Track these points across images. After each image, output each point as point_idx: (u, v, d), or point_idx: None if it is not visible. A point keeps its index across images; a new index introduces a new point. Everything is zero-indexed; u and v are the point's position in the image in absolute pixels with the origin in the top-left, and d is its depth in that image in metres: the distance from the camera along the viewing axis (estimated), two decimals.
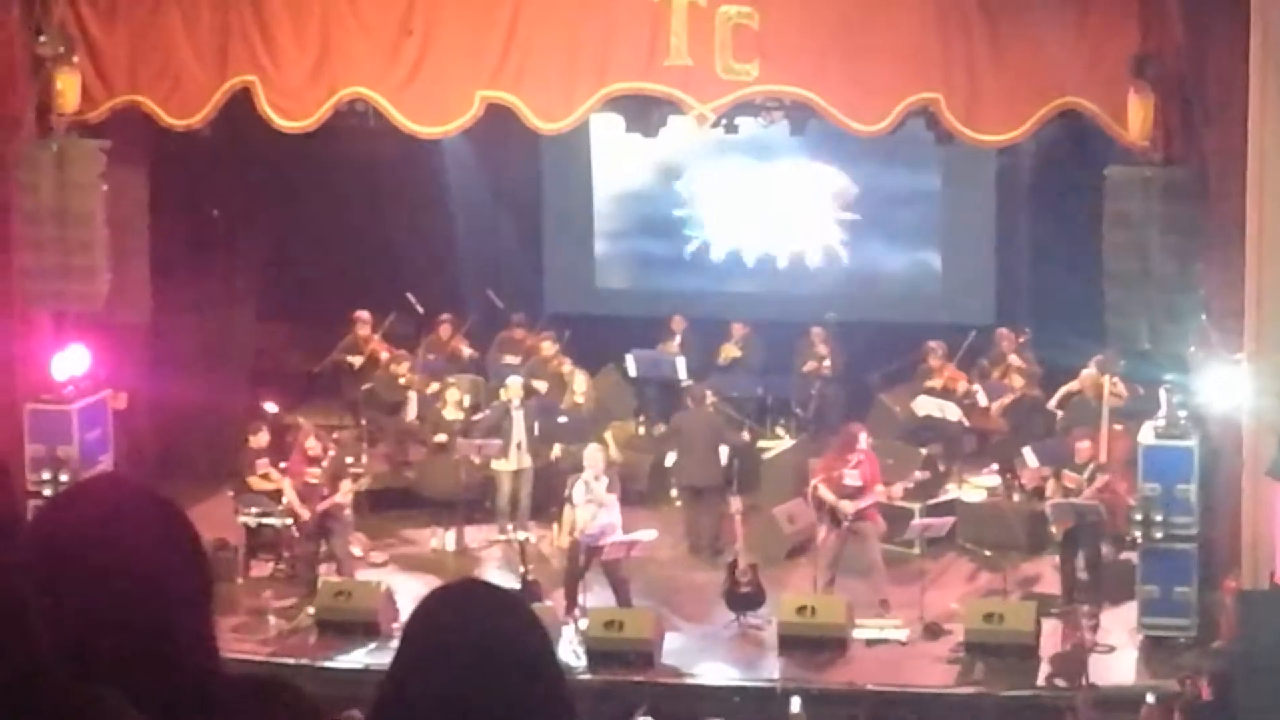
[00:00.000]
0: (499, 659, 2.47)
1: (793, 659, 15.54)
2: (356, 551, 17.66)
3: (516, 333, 20.91)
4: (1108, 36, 15.58)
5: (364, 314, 20.52)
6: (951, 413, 19.03)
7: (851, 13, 16.11)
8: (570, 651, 15.42)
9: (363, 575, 17.10)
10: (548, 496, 17.98)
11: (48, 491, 15.68)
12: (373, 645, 15.73)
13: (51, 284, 16.87)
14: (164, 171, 18.60)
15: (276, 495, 17.41)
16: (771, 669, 15.44)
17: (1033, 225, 21.80)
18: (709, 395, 18.49)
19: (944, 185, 22.31)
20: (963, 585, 17.15)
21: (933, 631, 16.03)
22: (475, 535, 18.53)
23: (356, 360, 20.46)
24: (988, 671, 15.30)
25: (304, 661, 15.59)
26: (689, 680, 15.48)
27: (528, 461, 18.36)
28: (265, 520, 17.51)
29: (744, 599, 16.31)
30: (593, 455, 16.50)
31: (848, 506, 16.26)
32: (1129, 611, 15.97)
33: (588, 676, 15.11)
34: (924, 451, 18.67)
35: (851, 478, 16.39)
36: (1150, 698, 14.07)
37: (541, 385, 19.58)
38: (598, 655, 15.47)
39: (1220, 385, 15.18)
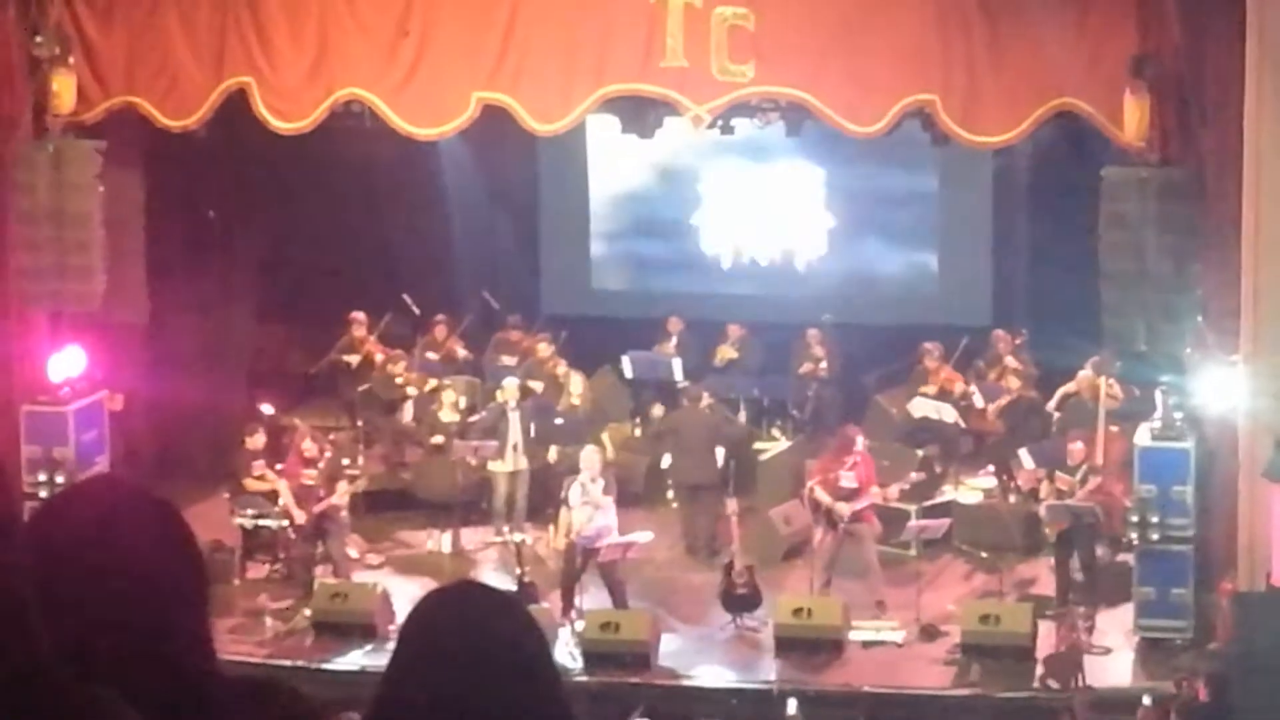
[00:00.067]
0: (495, 661, 2.47)
1: (789, 660, 15.54)
2: (353, 553, 17.65)
3: (512, 334, 20.90)
4: (1105, 37, 15.59)
5: (359, 315, 20.52)
6: (948, 414, 19.03)
7: (848, 14, 16.12)
8: (567, 653, 15.41)
9: (359, 577, 17.09)
10: (544, 498, 17.98)
11: (44, 493, 15.66)
12: (369, 647, 15.72)
13: (48, 284, 16.87)
14: (160, 172, 18.61)
15: (273, 497, 17.40)
16: (768, 670, 15.44)
17: (1029, 226, 21.80)
18: (705, 396, 18.48)
19: (940, 187, 22.32)
20: (959, 587, 17.15)
21: (929, 633, 16.03)
22: (471, 537, 18.52)
23: (353, 360, 20.47)
24: (984, 673, 15.29)
25: (300, 663, 15.58)
26: (685, 682, 15.48)
27: (524, 463, 18.36)
28: (262, 522, 17.50)
29: (740, 600, 16.30)
30: (589, 457, 16.49)
31: (844, 509, 16.26)
32: (1125, 613, 15.97)
33: (584, 678, 15.11)
34: (920, 453, 18.66)
35: (847, 479, 16.39)
36: (1146, 699, 14.08)
37: (537, 386, 19.58)
38: (594, 657, 15.46)
39: (1217, 386, 15.18)
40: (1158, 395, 15.80)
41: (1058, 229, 19.88)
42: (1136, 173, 15.35)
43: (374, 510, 18.90)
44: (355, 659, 15.62)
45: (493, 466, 18.36)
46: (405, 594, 16.24)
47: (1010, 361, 19.35)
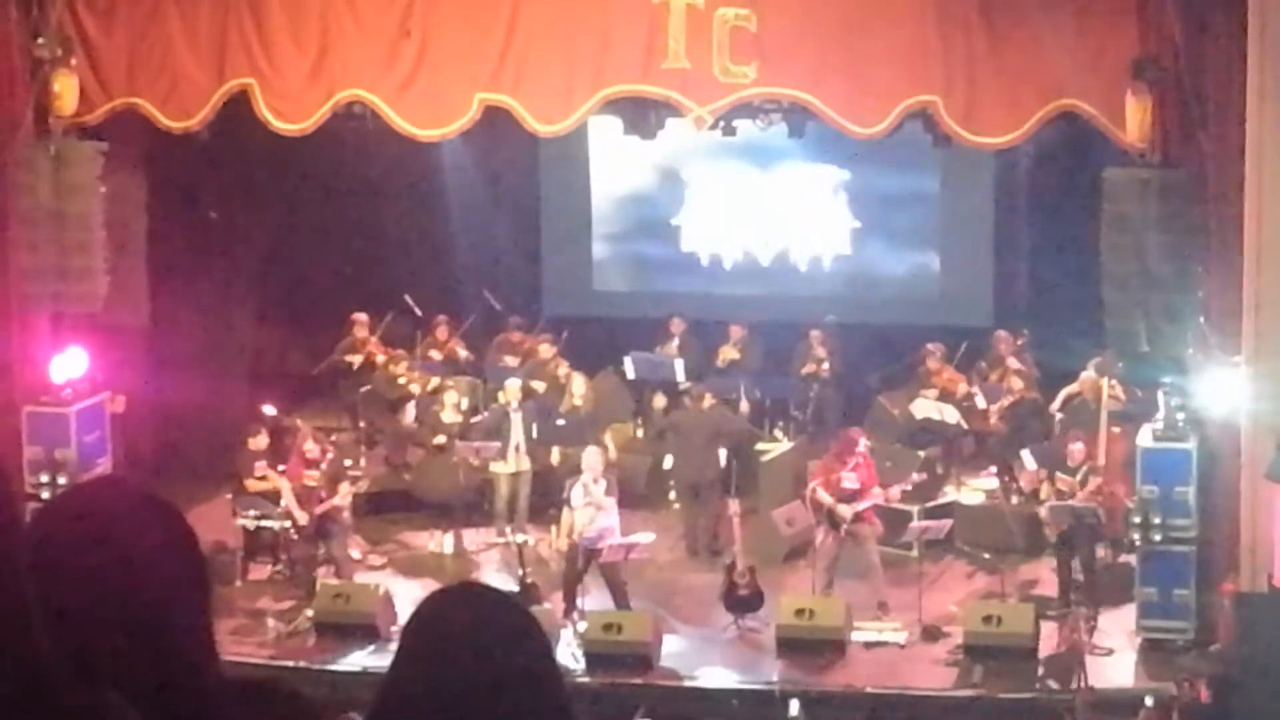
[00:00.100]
0: (497, 662, 2.47)
1: (791, 661, 15.54)
2: (355, 554, 17.65)
3: (514, 335, 20.90)
4: (1106, 38, 15.60)
5: (361, 316, 20.53)
6: (950, 415, 19.03)
7: (850, 15, 16.11)
8: (569, 654, 15.41)
9: (361, 578, 17.09)
10: (546, 499, 17.97)
11: (46, 494, 15.68)
12: (371, 648, 15.71)
13: (49, 286, 16.86)
14: (162, 174, 18.64)
15: (275, 498, 17.40)
16: (770, 671, 15.43)
17: (1031, 227, 21.81)
18: (708, 396, 18.48)
19: (942, 188, 22.33)
20: (961, 588, 17.15)
21: (931, 634, 16.03)
22: (473, 538, 18.52)
23: (355, 360, 20.47)
24: (986, 674, 15.28)
25: (302, 664, 15.57)
26: (687, 683, 15.47)
27: (526, 464, 18.36)
28: (264, 523, 17.51)
29: (742, 601, 16.30)
30: (591, 458, 16.50)
31: (845, 510, 16.26)
32: (1127, 614, 15.96)
33: (586, 679, 15.10)
34: (922, 454, 18.66)
35: (849, 480, 16.39)
36: (1148, 700, 14.08)
37: (539, 386, 19.58)
38: (596, 658, 15.46)
39: (1219, 387, 15.18)
40: (1160, 396, 15.79)
41: (1059, 230, 19.90)
42: (1138, 174, 15.34)
43: (376, 511, 18.91)
44: (357, 660, 15.60)
45: (495, 468, 18.36)
46: (407, 595, 16.24)
47: (1012, 362, 19.35)
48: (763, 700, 14.97)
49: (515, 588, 15.73)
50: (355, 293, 20.94)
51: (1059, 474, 16.58)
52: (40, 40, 16.55)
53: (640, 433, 20.53)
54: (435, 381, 19.88)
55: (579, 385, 19.26)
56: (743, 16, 16.12)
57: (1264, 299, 14.77)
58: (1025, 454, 17.52)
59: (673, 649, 15.87)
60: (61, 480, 16.32)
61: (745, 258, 22.95)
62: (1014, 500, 18.16)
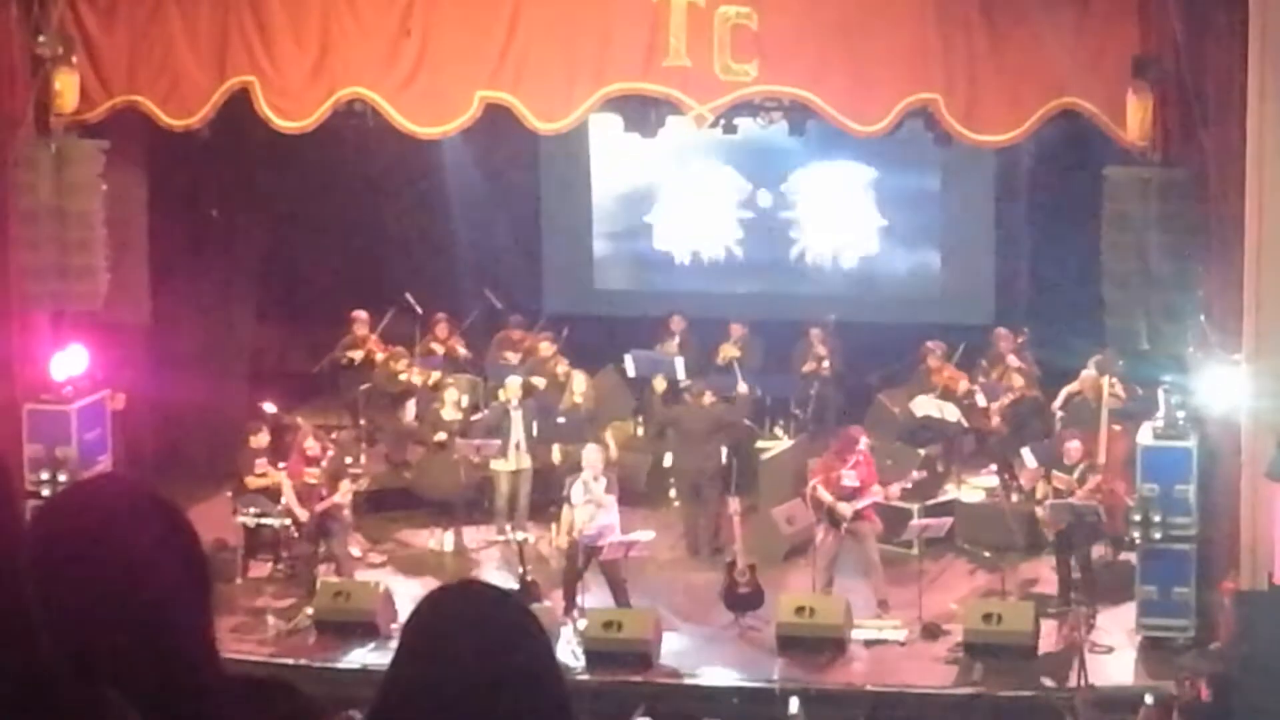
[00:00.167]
0: (497, 660, 2.47)
1: (791, 659, 15.54)
2: (355, 552, 17.66)
3: (515, 333, 20.90)
4: (1107, 37, 15.60)
5: (361, 313, 20.52)
6: (950, 413, 19.02)
7: (850, 13, 16.11)
8: (569, 652, 15.41)
9: (361, 575, 17.10)
10: (546, 497, 17.97)
11: (46, 492, 15.65)
12: (371, 645, 15.72)
13: (50, 284, 16.86)
14: (163, 172, 18.65)
15: (275, 495, 17.40)
16: (770, 669, 15.43)
17: (1032, 226, 21.81)
18: (708, 394, 18.48)
19: (943, 186, 22.33)
20: (961, 586, 17.15)
21: (931, 632, 16.03)
22: (474, 536, 18.53)
23: (356, 356, 20.47)
24: (986, 672, 15.29)
25: (303, 662, 15.59)
26: (687, 681, 15.48)
27: (526, 462, 18.36)
28: (264, 520, 17.51)
29: (742, 599, 16.31)
30: (591, 455, 16.51)
31: (846, 508, 16.26)
32: (1127, 612, 15.97)
33: (586, 677, 15.11)
34: (923, 452, 18.66)
35: (849, 478, 16.39)
36: (1149, 698, 14.08)
37: (540, 383, 19.58)
38: (596, 656, 15.46)
39: (1219, 386, 15.18)
40: (1160, 394, 15.79)
41: (1060, 228, 19.89)
42: (1139, 172, 15.34)
43: (376, 509, 18.91)
44: (357, 658, 15.62)
45: (495, 465, 18.36)
46: (407, 593, 16.25)
47: (1012, 360, 19.34)
48: (763, 698, 14.98)
49: (515, 585, 15.74)
50: (356, 291, 20.93)
51: (1056, 472, 16.59)
52: (41, 38, 16.55)
53: (641, 431, 20.53)
54: (435, 376, 19.88)
55: (579, 383, 19.26)
56: (743, 14, 16.12)
57: (1264, 297, 14.77)
58: (1025, 452, 17.52)
59: (673, 647, 15.87)
60: (62, 478, 16.31)
61: (746, 256, 22.96)
62: (1014, 498, 18.16)
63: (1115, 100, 15.43)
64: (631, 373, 20.65)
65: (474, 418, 19.12)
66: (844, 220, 22.56)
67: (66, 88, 16.73)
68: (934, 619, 16.15)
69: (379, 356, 20.39)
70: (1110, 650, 15.61)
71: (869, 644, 15.89)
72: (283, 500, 17.14)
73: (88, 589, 2.36)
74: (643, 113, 17.60)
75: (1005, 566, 16.69)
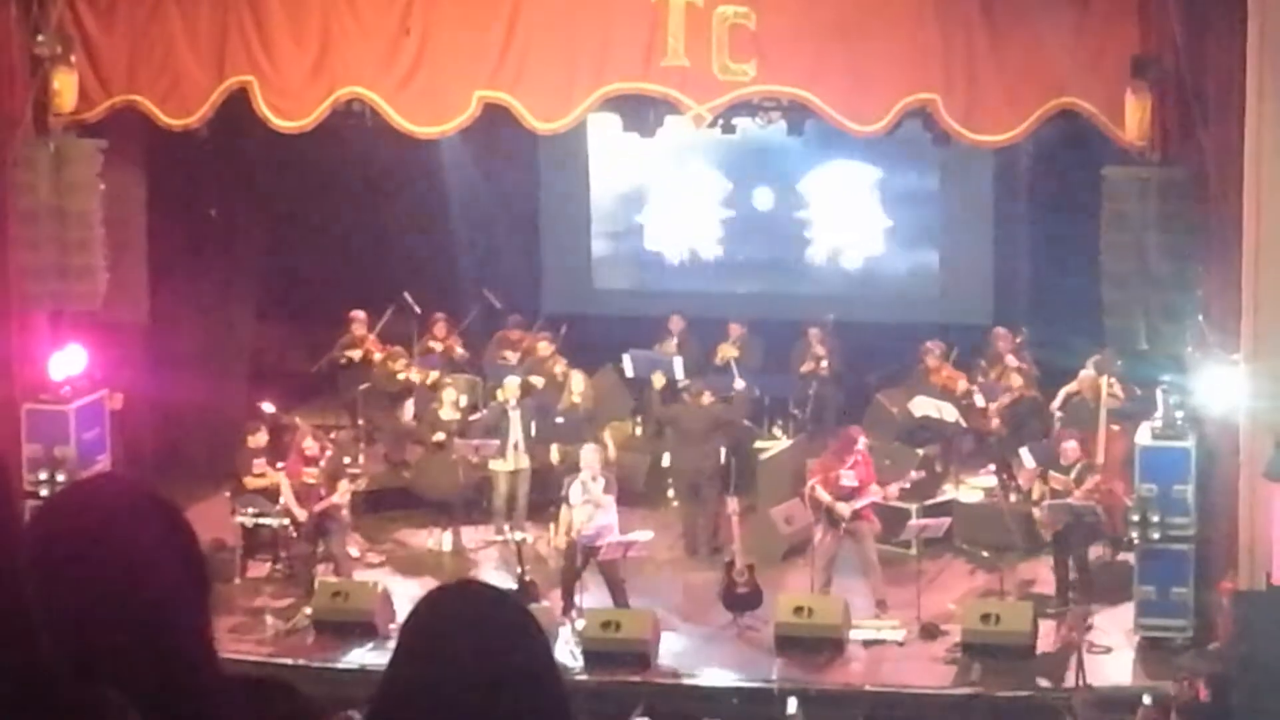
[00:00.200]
0: (496, 660, 2.47)
1: (790, 659, 15.54)
2: (354, 552, 17.66)
3: (513, 333, 20.89)
4: (1106, 37, 15.60)
5: (359, 313, 20.52)
6: (949, 413, 19.02)
7: (849, 13, 16.11)
8: (567, 652, 15.41)
9: (360, 575, 17.10)
10: (545, 497, 17.97)
11: (45, 492, 15.66)
12: (370, 645, 15.72)
13: (49, 284, 16.85)
14: (162, 171, 18.64)
15: (273, 495, 17.40)
16: (769, 669, 15.43)
17: (1030, 225, 21.81)
18: (707, 394, 18.48)
19: (942, 185, 22.34)
20: (960, 586, 17.15)
21: (930, 632, 16.03)
22: (472, 536, 18.53)
23: (355, 355, 20.47)
24: (985, 672, 15.29)
25: (301, 662, 15.59)
26: (686, 681, 15.48)
27: (525, 462, 18.36)
28: (262, 520, 17.51)
29: (741, 599, 16.31)
30: (589, 456, 16.50)
31: (844, 508, 16.25)
32: (1126, 612, 15.97)
33: (584, 677, 15.11)
34: (921, 452, 18.66)
35: (848, 478, 16.38)
36: (1147, 699, 14.08)
37: (539, 382, 19.58)
38: (595, 656, 15.47)
39: (1217, 386, 15.18)
40: (1159, 394, 15.80)
41: (1059, 228, 19.89)
42: (1138, 172, 15.34)
43: (375, 509, 18.92)
44: (356, 658, 15.62)
45: (494, 465, 18.36)
46: (406, 593, 16.25)
47: (1011, 360, 19.34)
48: (761, 698, 14.98)
49: (514, 585, 15.74)
50: (354, 290, 20.92)
51: (1053, 473, 16.59)
52: (40, 38, 16.55)
53: (639, 431, 20.53)
54: (434, 376, 19.88)
55: (578, 383, 19.25)
56: (742, 14, 16.12)
57: (1263, 298, 14.77)
58: (1024, 452, 17.52)
59: (671, 647, 15.87)
60: (60, 478, 16.31)
61: (746, 256, 22.97)
62: (1012, 499, 18.16)
63: (1114, 100, 15.43)
64: (630, 373, 20.64)
65: (472, 418, 19.11)
66: (850, 220, 22.55)
67: (65, 87, 16.73)
68: (932, 619, 16.15)
69: (377, 356, 20.39)
70: (1108, 650, 15.62)
71: (867, 644, 15.89)
72: (281, 500, 17.14)
73: (87, 589, 2.36)
74: (641, 113, 17.61)
75: (1004, 567, 16.68)
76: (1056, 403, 18.78)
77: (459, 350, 20.82)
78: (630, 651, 15.47)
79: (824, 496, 16.36)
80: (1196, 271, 15.36)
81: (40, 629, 2.21)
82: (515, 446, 18.31)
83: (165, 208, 18.88)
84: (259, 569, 17.69)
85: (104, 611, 2.36)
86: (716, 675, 15.57)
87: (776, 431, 20.60)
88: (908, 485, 17.31)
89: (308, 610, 16.37)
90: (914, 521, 16.98)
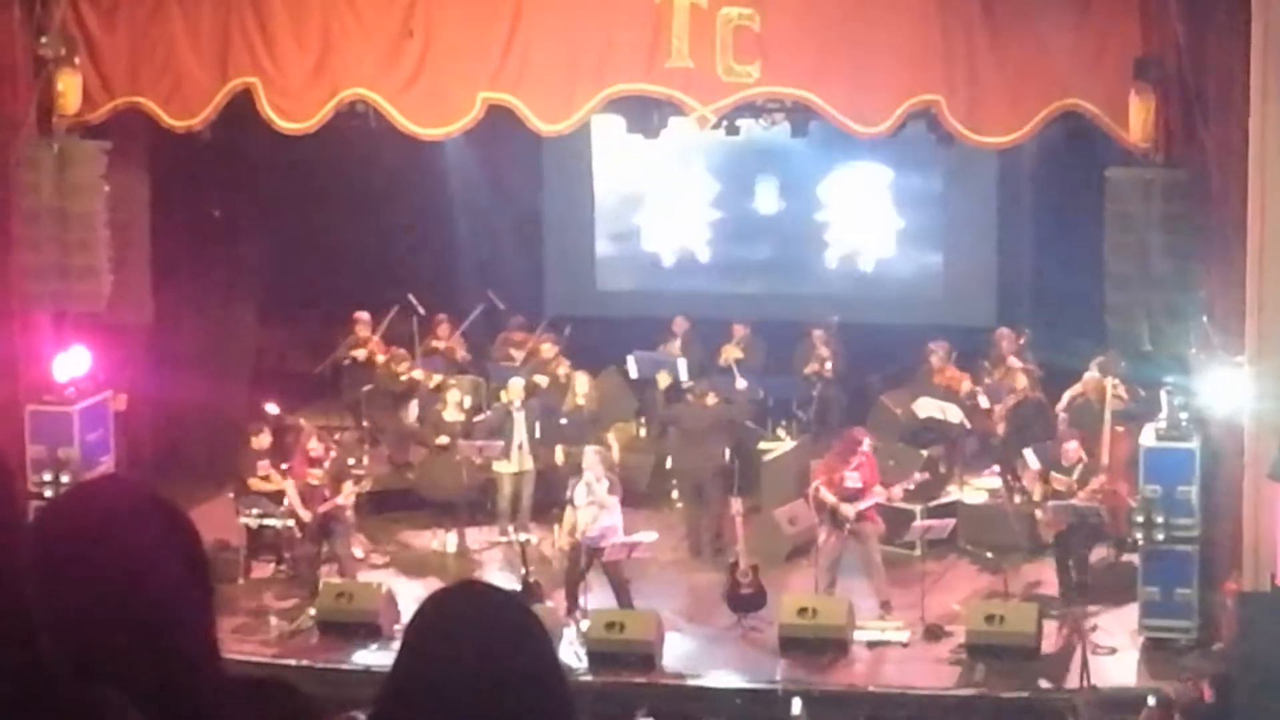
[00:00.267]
0: (500, 661, 2.47)
1: (794, 660, 15.54)
2: (358, 553, 17.66)
3: (517, 334, 20.91)
4: (1109, 38, 15.60)
5: (363, 315, 20.53)
6: (953, 414, 19.01)
7: (853, 14, 16.11)
8: (571, 653, 15.42)
9: (364, 576, 17.10)
10: (549, 498, 17.98)
11: (49, 493, 15.70)
12: (374, 646, 15.73)
13: (52, 285, 16.87)
14: (165, 173, 18.65)
15: (277, 496, 17.42)
16: (772, 670, 15.43)
17: (1034, 226, 21.81)
18: (711, 394, 18.48)
19: (945, 187, 22.33)
20: (964, 587, 17.14)
21: (934, 633, 16.03)
22: (476, 537, 18.54)
23: (359, 354, 20.48)
24: (989, 673, 15.29)
25: (305, 663, 15.59)
26: (690, 682, 15.48)
27: (529, 463, 18.36)
28: (266, 521, 17.52)
29: (745, 600, 16.31)
30: (591, 458, 16.48)
31: (848, 509, 16.25)
32: (1130, 613, 15.97)
33: (589, 678, 15.11)
34: (925, 453, 18.66)
35: (852, 479, 16.38)
36: (1151, 699, 14.07)
37: (543, 381, 19.60)
38: (599, 657, 15.47)
39: (1221, 387, 15.17)
40: (1163, 396, 15.79)
41: (1062, 229, 19.88)
42: (1141, 173, 15.35)
43: (379, 510, 18.93)
44: (360, 659, 15.63)
45: (498, 466, 18.37)
46: (410, 594, 16.25)
47: (1014, 361, 19.34)
48: (765, 699, 14.98)
49: (518, 586, 15.74)
50: (358, 292, 20.94)
51: (1054, 473, 16.59)
52: (44, 39, 16.56)
53: (643, 432, 20.53)
54: (438, 379, 19.88)
55: (582, 384, 19.26)
56: (746, 16, 16.12)
57: (1267, 298, 14.76)
58: (1028, 453, 17.51)
59: (675, 648, 15.88)
60: (64, 479, 16.34)
61: (750, 256, 22.97)
62: (1016, 500, 18.16)
63: (1117, 101, 15.43)
64: (634, 374, 20.66)
65: (476, 419, 19.12)
66: (859, 222, 22.54)
67: (69, 89, 16.74)
68: (936, 620, 16.15)
69: (380, 359, 20.39)
70: (1113, 651, 15.61)
71: (871, 645, 15.89)
72: (285, 501, 17.15)
73: (89, 589, 2.36)
74: (645, 114, 17.61)
75: (1008, 568, 16.69)
76: (1061, 404, 18.76)
77: (461, 352, 20.83)
78: (634, 652, 15.47)
79: (828, 497, 16.35)
80: (1200, 272, 15.36)
81: (41, 629, 2.21)
82: (519, 448, 18.32)
83: (169, 209, 18.90)
84: (263, 570, 17.70)
85: (105, 612, 2.36)
86: (720, 676, 15.57)
87: (780, 433, 20.61)
88: (912, 486, 17.32)
89: (312, 611, 16.38)
90: (918, 522, 16.98)
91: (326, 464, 17.06)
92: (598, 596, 16.31)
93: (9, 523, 2.25)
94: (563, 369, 19.78)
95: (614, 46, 16.45)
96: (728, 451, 18.26)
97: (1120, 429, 17.13)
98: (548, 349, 20.17)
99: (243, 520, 17.54)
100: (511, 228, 23.44)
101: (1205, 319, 15.36)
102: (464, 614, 2.52)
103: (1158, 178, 15.25)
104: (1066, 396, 18.70)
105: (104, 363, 17.53)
